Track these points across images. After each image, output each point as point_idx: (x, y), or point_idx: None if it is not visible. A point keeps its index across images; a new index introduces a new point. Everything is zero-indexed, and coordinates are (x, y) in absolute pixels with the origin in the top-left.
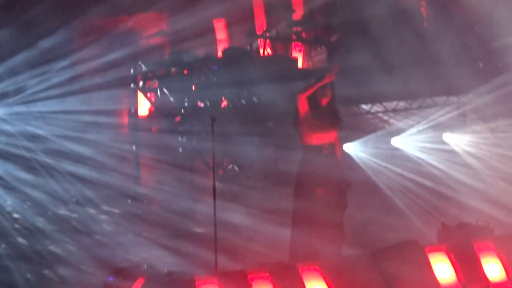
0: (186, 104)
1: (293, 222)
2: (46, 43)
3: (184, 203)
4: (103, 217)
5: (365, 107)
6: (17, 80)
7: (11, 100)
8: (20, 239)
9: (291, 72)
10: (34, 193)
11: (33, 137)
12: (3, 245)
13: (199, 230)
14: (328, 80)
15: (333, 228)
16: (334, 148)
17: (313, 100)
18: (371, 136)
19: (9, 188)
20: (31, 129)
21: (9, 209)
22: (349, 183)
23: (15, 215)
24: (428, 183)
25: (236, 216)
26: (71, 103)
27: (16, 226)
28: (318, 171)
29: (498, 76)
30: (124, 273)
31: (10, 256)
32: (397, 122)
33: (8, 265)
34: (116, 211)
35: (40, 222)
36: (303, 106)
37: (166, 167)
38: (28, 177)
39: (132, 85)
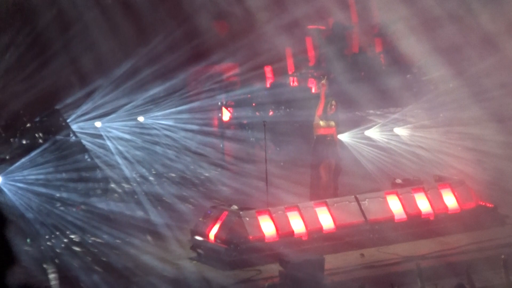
0: (250, 113)
1: (311, 176)
2: (173, 81)
3: (249, 166)
4: (206, 174)
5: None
6: (153, 103)
7: (153, 114)
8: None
9: (307, 95)
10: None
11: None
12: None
13: (258, 183)
14: (324, 88)
15: (331, 183)
16: (334, 138)
17: (324, 111)
18: (355, 130)
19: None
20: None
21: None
22: (341, 158)
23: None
24: (384, 156)
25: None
26: (184, 116)
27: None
28: (324, 152)
29: (425, 97)
30: (216, 208)
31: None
32: (371, 121)
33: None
34: (214, 172)
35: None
36: (318, 114)
37: (238, 147)
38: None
39: (219, 104)
